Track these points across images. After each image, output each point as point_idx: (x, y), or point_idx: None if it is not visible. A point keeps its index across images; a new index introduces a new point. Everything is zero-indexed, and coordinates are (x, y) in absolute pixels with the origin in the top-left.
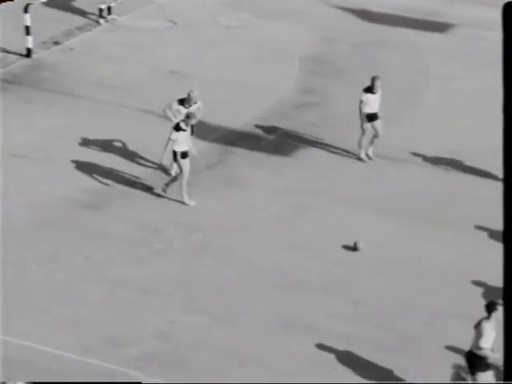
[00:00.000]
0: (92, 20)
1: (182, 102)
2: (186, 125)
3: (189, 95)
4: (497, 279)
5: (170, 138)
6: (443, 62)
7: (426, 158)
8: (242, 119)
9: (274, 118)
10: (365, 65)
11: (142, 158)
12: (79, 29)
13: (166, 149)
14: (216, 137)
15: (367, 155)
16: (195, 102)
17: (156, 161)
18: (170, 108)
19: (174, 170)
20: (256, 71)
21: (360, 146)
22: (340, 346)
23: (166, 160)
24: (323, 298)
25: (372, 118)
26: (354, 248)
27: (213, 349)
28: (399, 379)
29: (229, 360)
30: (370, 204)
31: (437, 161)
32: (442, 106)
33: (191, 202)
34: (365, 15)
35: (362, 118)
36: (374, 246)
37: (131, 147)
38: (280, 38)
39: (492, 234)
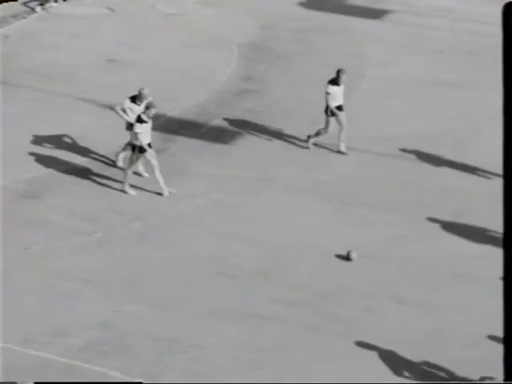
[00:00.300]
0: (28, 7)
1: (133, 99)
2: (147, 116)
3: (140, 92)
4: (432, 262)
5: (135, 132)
6: (380, 48)
7: (363, 144)
8: (181, 107)
9: (213, 105)
10: (303, 51)
11: (80, 146)
12: (14, 16)
13: (126, 147)
14: (156, 125)
15: (314, 144)
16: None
17: (97, 150)
18: (122, 106)
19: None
20: (195, 59)
21: (316, 135)
22: (279, 331)
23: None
24: (262, 284)
25: (338, 109)
26: (347, 258)
27: (154, 336)
28: (337, 363)
29: (171, 347)
30: (310, 191)
31: (373, 146)
32: (379, 91)
33: (131, 191)
34: (303, 1)
35: (328, 110)
36: (313, 233)
37: (68, 136)
38: (218, 24)
39: (428, 218)
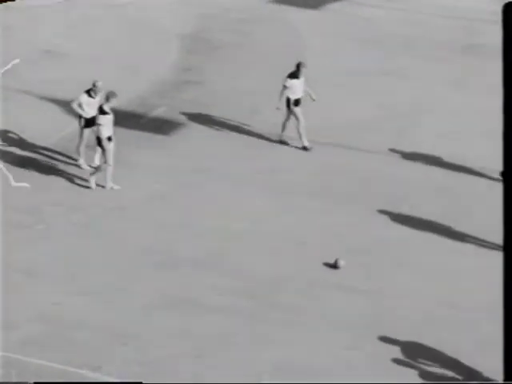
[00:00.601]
0: None
1: (88, 92)
2: (108, 107)
3: (94, 85)
4: (372, 249)
5: (98, 123)
6: (318, 38)
7: (307, 133)
8: (122, 98)
9: (154, 96)
10: (242, 42)
11: (19, 139)
12: None
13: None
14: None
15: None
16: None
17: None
18: (79, 101)
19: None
20: (134, 50)
21: (283, 129)
22: (220, 320)
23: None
24: (202, 274)
25: (296, 103)
26: (335, 266)
27: (96, 328)
28: (278, 351)
29: (112, 339)
30: (250, 181)
31: (312, 135)
32: (317, 81)
33: (115, 186)
34: None
35: (286, 104)
36: (255, 221)
37: (7, 129)
38: (158, 15)
39: (367, 205)
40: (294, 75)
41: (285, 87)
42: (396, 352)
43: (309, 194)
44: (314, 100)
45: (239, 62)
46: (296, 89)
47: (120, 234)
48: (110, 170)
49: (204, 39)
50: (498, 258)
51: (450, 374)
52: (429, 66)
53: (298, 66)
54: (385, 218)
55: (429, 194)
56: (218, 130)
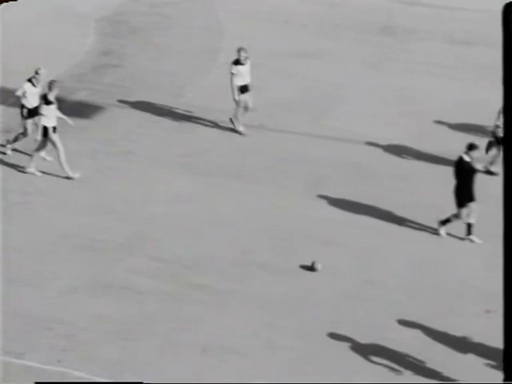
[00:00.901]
0: None
1: (31, 81)
2: (53, 96)
3: (37, 72)
4: (294, 229)
5: (40, 113)
6: (236, 21)
7: (224, 116)
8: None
9: (73, 80)
10: (160, 24)
11: None
12: None
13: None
14: (13, 101)
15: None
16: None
17: None
18: (24, 90)
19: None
20: (51, 33)
21: (236, 119)
22: (145, 303)
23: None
24: (126, 257)
25: (244, 89)
26: (312, 268)
27: (20, 314)
28: (203, 333)
29: (37, 324)
30: (173, 164)
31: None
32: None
33: (76, 174)
34: None
35: (233, 91)
36: (176, 205)
37: None
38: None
39: (289, 186)
40: (238, 62)
41: (232, 74)
42: (319, 330)
43: (231, 176)
44: (246, 86)
45: (159, 44)
46: (242, 75)
47: (42, 218)
48: (36, 156)
49: (122, 22)
50: (418, 237)
51: (368, 345)
52: (348, 48)
53: (239, 51)
54: (306, 198)
55: (349, 174)
56: (139, 113)
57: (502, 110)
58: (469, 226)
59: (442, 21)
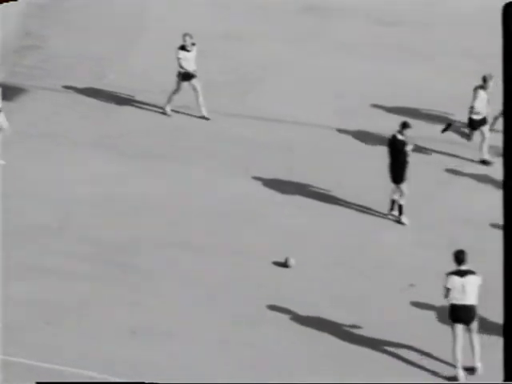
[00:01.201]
0: None
1: None
2: None
3: None
4: (222, 207)
5: None
6: (160, 2)
7: (149, 97)
8: None
9: None
10: (82, 6)
11: None
12: None
13: None
14: None
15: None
16: None
17: None
18: None
19: None
20: None
21: (168, 101)
22: (74, 286)
23: None
24: (54, 240)
25: (188, 76)
26: (285, 265)
27: None
28: (136, 313)
29: None
30: (99, 145)
31: (158, 99)
32: (161, 45)
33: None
34: None
35: (177, 76)
36: (103, 186)
37: None
38: None
39: (215, 166)
40: (183, 47)
41: (179, 59)
42: (250, 308)
43: (159, 157)
44: (193, 73)
45: (80, 26)
46: (188, 61)
47: None
48: None
49: (43, 4)
50: (345, 215)
51: (295, 318)
52: (271, 28)
53: (184, 37)
54: (231, 177)
55: (276, 153)
56: (62, 95)
57: (503, 110)
58: (399, 206)
59: (364, 0)
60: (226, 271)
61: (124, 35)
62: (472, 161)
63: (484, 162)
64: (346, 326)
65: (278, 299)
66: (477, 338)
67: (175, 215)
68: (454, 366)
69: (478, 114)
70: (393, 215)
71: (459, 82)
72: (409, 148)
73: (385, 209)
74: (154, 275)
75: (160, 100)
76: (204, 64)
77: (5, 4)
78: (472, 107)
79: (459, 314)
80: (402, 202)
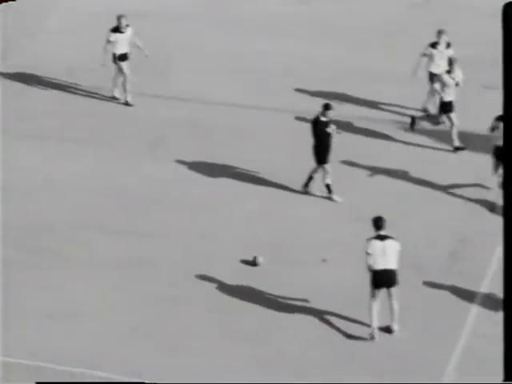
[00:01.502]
0: None
1: None
2: None
3: None
4: (136, 191)
5: None
6: None
7: (58, 76)
8: None
9: None
10: None
11: None
12: None
13: None
14: None
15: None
16: None
17: None
18: None
19: None
20: None
21: (114, 85)
22: None
23: None
24: None
25: (123, 58)
26: (254, 263)
27: None
28: (51, 295)
29: None
30: (8, 127)
31: (68, 78)
32: (67, 26)
33: None
34: None
35: (113, 59)
36: (13, 169)
37: None
38: None
39: (124, 147)
40: (117, 29)
41: (108, 42)
42: (166, 291)
43: (69, 139)
44: (146, 56)
45: None
46: (120, 43)
47: None
48: None
49: None
50: (257, 192)
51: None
52: (186, 8)
53: (119, 19)
54: (148, 158)
55: (189, 133)
56: None
57: (503, 110)
58: (327, 185)
59: None
60: (144, 253)
61: (29, 16)
62: (398, 140)
63: (457, 149)
64: (257, 296)
65: (194, 278)
66: (396, 301)
67: (89, 197)
68: (370, 326)
69: (446, 97)
70: (307, 191)
71: (377, 59)
72: (331, 129)
73: (292, 183)
74: (69, 258)
75: (68, 80)
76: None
77: None
78: (440, 92)
79: (381, 279)
80: (328, 181)
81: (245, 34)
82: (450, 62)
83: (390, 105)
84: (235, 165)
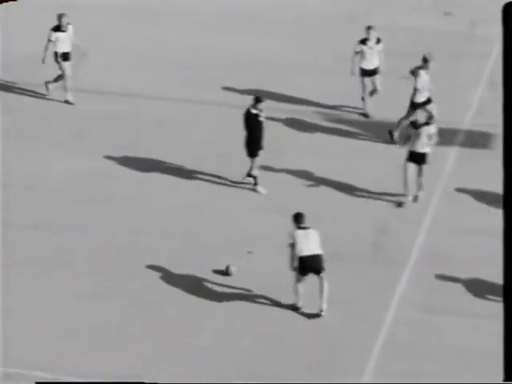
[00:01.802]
0: None
1: None
2: None
3: None
4: (56, 186)
5: None
6: None
7: None
8: None
9: None
10: None
11: None
12: None
13: None
14: None
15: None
16: None
17: None
18: None
19: None
20: None
21: (65, 90)
22: None
23: None
24: None
25: (65, 57)
26: (226, 273)
27: None
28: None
29: None
30: None
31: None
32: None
33: None
34: None
35: (54, 58)
36: None
37: None
38: None
39: (54, 141)
40: (58, 28)
41: (49, 41)
42: (86, 284)
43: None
44: (84, 55)
45: None
46: (62, 42)
47: None
48: None
49: None
50: (183, 185)
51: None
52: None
53: (59, 17)
54: (67, 151)
55: (108, 126)
56: None
57: (503, 110)
58: (254, 177)
59: None
60: (64, 247)
61: None
62: (324, 132)
63: (390, 133)
64: (183, 287)
65: (117, 272)
66: (326, 284)
67: (9, 191)
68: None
69: (420, 95)
70: (247, 182)
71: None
72: (262, 120)
73: (231, 177)
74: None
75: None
76: (34, 36)
77: None
78: (415, 89)
79: (308, 266)
80: (256, 173)
81: (155, 25)
82: (425, 59)
83: (313, 97)
84: (163, 158)
